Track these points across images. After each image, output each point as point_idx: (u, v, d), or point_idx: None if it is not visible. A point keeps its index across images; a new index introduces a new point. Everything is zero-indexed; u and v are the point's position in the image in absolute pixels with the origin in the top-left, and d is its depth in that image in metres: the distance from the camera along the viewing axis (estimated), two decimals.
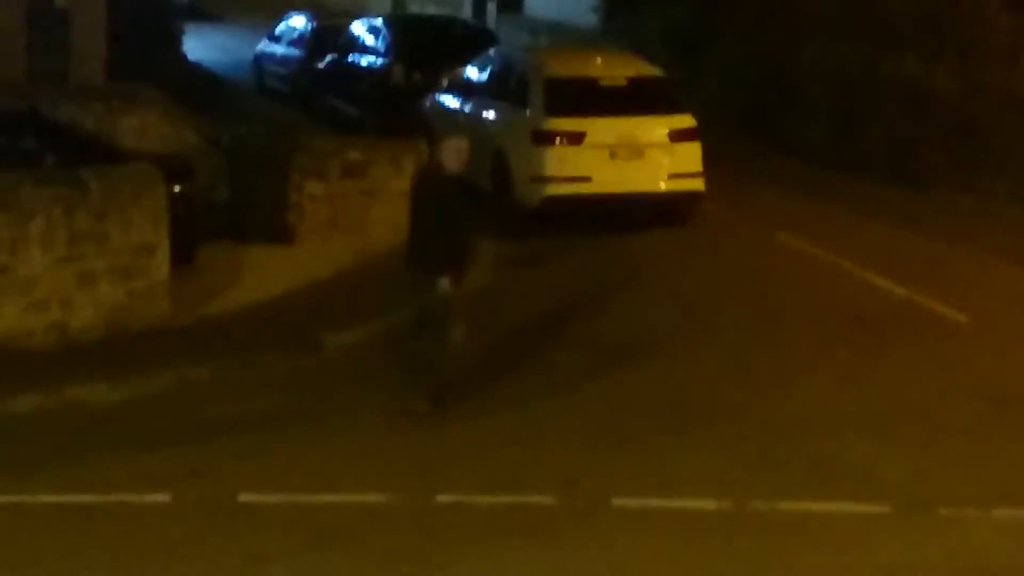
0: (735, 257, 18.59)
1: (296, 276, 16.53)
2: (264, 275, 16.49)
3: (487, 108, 20.55)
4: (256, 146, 19.17)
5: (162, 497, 11.01)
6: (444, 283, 12.64)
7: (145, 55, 23.20)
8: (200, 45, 31.91)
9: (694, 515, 10.97)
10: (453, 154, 12.91)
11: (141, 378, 13.41)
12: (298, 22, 30.66)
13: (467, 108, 21.10)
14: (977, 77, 22.59)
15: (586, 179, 18.94)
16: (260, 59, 31.53)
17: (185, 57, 27.49)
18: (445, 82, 22.31)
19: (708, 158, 19.49)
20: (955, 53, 23.10)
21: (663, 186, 19.40)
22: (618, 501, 11.13)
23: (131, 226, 14.49)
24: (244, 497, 11.04)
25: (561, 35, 33.95)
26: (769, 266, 18.16)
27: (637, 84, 19.90)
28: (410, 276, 13.07)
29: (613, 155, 19.20)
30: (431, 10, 40.46)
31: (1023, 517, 11.11)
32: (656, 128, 19.44)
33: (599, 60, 21.12)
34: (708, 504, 11.11)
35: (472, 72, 21.67)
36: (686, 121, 19.55)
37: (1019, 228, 20.17)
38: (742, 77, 26.56)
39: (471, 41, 25.13)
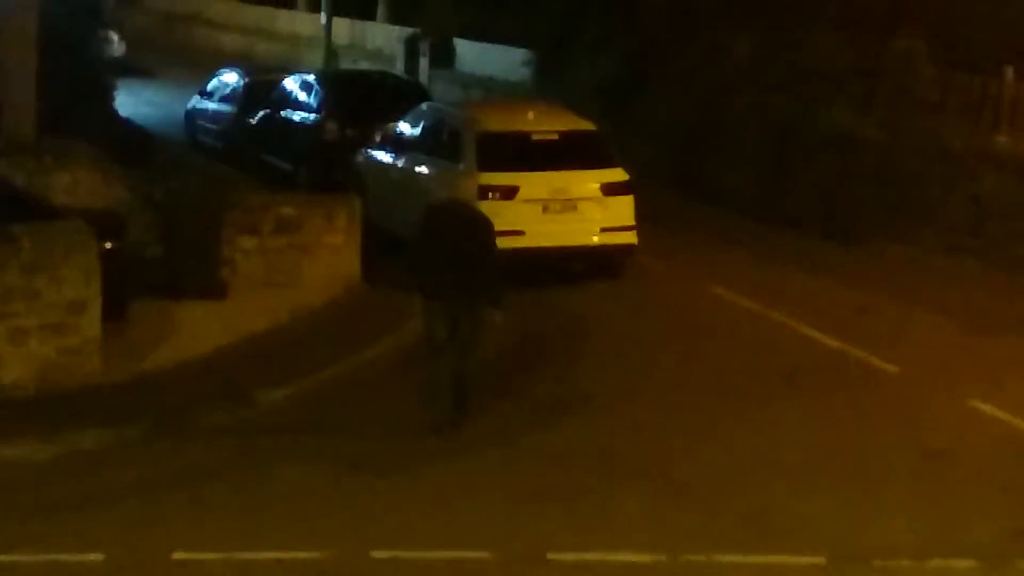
0: (669, 310, 18.66)
1: (230, 332, 16.46)
2: (197, 331, 16.42)
3: (420, 163, 20.57)
4: (188, 202, 19.07)
5: (95, 556, 10.91)
6: (494, 314, 13.73)
7: (77, 111, 23.09)
8: (132, 101, 31.85)
9: (630, 568, 10.97)
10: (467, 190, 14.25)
11: (73, 435, 13.30)
12: (230, 78, 30.63)
13: (400, 163, 21.13)
14: (905, 127, 22.83)
15: (519, 233, 18.94)
16: (192, 115, 31.45)
17: (117, 113, 27.38)
18: (378, 137, 22.32)
19: (641, 211, 19.59)
20: (884, 104, 23.36)
21: (596, 240, 19.48)
22: (554, 555, 11.12)
23: (62, 283, 14.40)
24: (179, 555, 10.96)
25: (493, 90, 34.12)
26: (703, 318, 18.26)
27: (569, 138, 19.99)
28: (430, 306, 13.78)
29: (546, 209, 19.27)
30: (363, 65, 40.55)
31: (957, 568, 11.17)
32: (589, 182, 19.53)
33: (531, 115, 21.18)
34: (644, 557, 11.11)
35: (404, 127, 21.69)
36: (619, 175, 19.65)
37: (948, 278, 20.35)
38: (673, 130, 26.73)
39: (404, 96, 25.21)
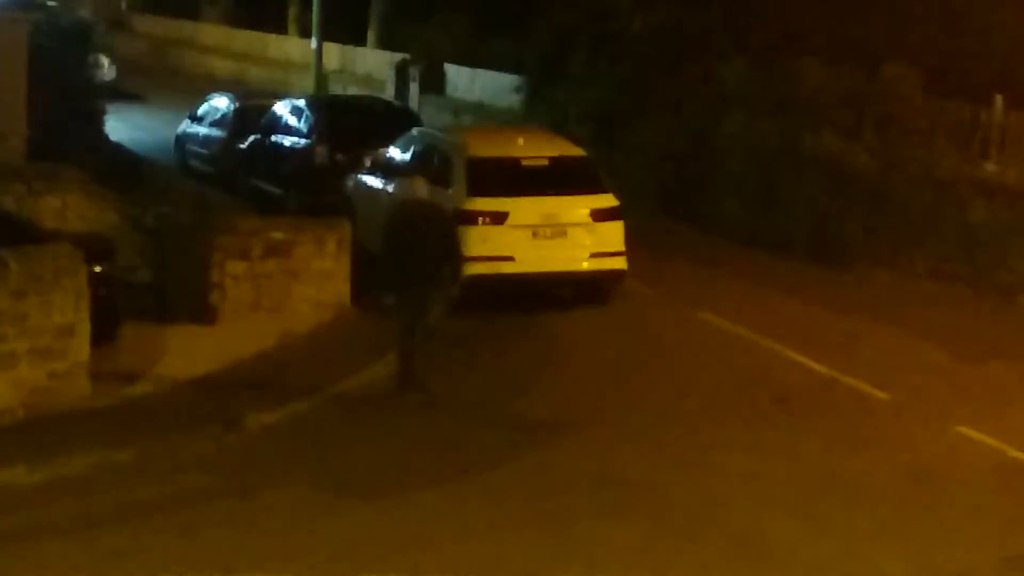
0: (657, 335, 18.66)
1: (219, 356, 16.44)
2: (186, 355, 16.40)
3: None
4: (178, 226, 19.11)
5: None
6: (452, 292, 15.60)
7: (67, 135, 23.12)
8: (122, 125, 31.81)
9: None
10: (422, 191, 15.92)
11: (61, 460, 13.26)
12: (221, 102, 30.64)
13: (390, 188, 21.13)
14: (895, 154, 22.89)
15: (509, 259, 18.99)
16: (183, 139, 31.44)
17: (107, 137, 27.38)
18: (368, 162, 22.33)
19: (630, 237, 19.61)
20: (873, 130, 23.42)
21: (586, 265, 19.49)
22: None
23: (51, 307, 14.38)
24: None
25: (484, 115, 34.15)
26: (691, 344, 18.25)
27: (559, 164, 20.00)
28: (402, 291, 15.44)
29: (536, 234, 19.28)
30: (354, 90, 40.60)
31: None
32: (578, 207, 19.54)
33: (521, 140, 21.21)
34: None
35: (395, 152, 21.71)
36: (608, 200, 19.67)
37: (937, 304, 20.38)
38: (662, 156, 26.77)
39: (394, 121, 25.22)
